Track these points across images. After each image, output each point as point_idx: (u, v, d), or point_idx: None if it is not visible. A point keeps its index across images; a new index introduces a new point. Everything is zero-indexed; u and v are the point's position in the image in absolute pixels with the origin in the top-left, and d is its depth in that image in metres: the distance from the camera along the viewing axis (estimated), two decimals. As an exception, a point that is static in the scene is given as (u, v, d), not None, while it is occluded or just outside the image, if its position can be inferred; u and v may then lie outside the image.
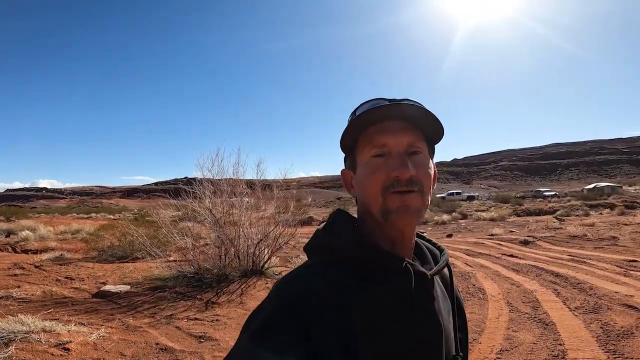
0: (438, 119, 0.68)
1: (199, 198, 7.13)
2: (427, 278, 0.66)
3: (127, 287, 5.82)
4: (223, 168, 7.40)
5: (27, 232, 13.00)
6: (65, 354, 3.21)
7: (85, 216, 28.13)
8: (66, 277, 6.67)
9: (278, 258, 7.54)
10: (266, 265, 6.78)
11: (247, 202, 7.43)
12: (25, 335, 3.35)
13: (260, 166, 7.68)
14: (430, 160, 0.70)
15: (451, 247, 9.97)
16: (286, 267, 7.25)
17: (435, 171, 0.72)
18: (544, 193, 46.00)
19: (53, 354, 3.16)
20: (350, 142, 0.71)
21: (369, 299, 0.61)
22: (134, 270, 7.39)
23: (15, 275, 6.71)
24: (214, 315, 4.46)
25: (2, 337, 3.23)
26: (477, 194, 58.58)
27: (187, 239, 6.83)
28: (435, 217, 20.29)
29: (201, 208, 7.00)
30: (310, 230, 16.85)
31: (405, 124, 0.68)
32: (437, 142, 0.75)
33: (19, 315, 3.68)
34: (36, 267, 7.62)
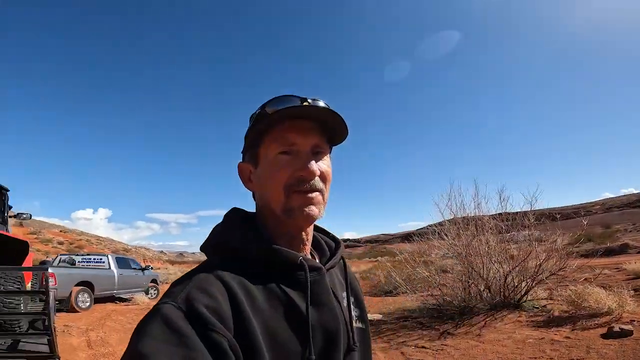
0: (345, 123, 0.69)
1: (447, 236, 7.23)
2: (323, 273, 0.68)
3: (379, 316, 6.69)
4: (464, 205, 7.29)
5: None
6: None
7: (374, 259, 33.29)
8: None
9: (544, 290, 6.43)
10: (525, 298, 6.02)
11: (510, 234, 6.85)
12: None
13: (502, 195, 6.96)
14: (329, 160, 0.72)
15: None
16: (551, 299, 5.96)
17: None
18: None
19: None
20: (255, 136, 0.70)
21: (267, 296, 0.60)
22: (393, 302, 8.29)
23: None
24: (442, 344, 4.39)
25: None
26: None
27: (432, 274, 7.02)
28: None
29: (447, 246, 7.14)
30: (619, 260, 12.27)
31: (314, 124, 0.68)
32: (338, 144, 0.76)
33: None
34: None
